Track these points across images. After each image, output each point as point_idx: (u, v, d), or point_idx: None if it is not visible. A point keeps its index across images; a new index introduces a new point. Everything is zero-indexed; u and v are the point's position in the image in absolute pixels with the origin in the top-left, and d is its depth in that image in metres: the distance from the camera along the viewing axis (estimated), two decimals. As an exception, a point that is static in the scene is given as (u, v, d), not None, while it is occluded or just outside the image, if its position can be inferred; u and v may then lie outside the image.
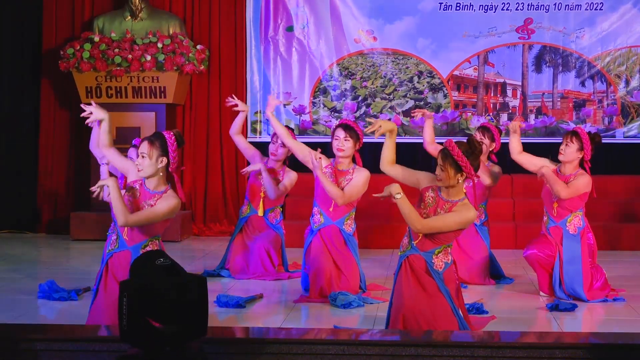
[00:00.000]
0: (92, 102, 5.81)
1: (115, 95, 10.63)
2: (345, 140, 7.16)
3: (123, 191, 5.47)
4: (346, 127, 7.20)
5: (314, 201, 7.33)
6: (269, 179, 7.95)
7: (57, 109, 11.28)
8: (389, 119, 11.24)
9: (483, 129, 8.10)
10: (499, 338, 5.27)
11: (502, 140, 8.17)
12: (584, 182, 7.14)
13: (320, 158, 7.16)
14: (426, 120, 7.98)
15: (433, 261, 5.51)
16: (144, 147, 5.41)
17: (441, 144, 5.72)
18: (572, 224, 7.19)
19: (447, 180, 5.45)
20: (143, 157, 5.40)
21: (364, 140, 7.29)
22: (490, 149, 8.03)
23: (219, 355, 4.87)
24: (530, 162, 7.40)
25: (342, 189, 7.10)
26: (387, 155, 5.76)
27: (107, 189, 5.38)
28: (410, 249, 5.56)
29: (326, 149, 7.43)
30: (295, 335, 5.31)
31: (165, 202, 5.38)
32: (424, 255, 5.52)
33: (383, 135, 5.75)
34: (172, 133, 5.48)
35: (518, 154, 7.44)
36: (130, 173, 5.54)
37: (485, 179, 7.84)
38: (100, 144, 5.62)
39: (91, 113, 5.61)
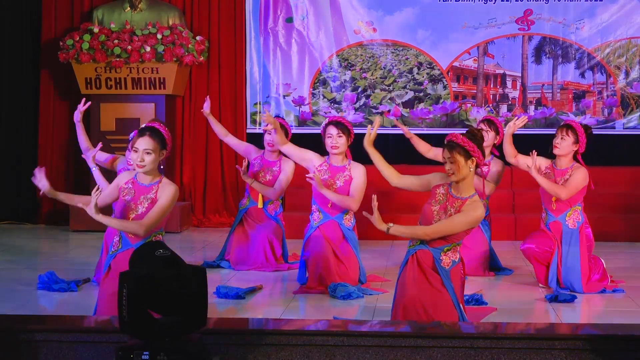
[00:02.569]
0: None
1: (115, 86, 10.61)
2: (339, 136, 7.21)
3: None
4: (337, 123, 7.26)
5: (313, 200, 7.35)
6: (260, 185, 8.07)
7: (57, 100, 11.27)
8: (389, 110, 11.24)
9: (488, 122, 8.05)
10: (498, 329, 5.27)
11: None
12: (580, 178, 7.13)
13: (316, 167, 7.20)
14: (410, 138, 7.99)
15: (441, 258, 5.50)
16: (149, 143, 5.34)
17: (439, 145, 5.71)
18: (572, 219, 7.19)
19: (459, 171, 5.43)
20: (149, 153, 5.35)
21: (358, 131, 7.30)
22: (494, 142, 8.02)
23: (219, 346, 4.87)
24: (525, 163, 7.35)
25: (348, 193, 7.15)
26: (386, 167, 5.84)
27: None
28: (419, 244, 5.55)
29: (318, 147, 7.43)
30: (295, 326, 5.32)
31: (165, 192, 5.36)
32: (432, 250, 5.51)
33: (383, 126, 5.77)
34: (160, 124, 5.46)
35: (513, 158, 7.41)
36: (120, 184, 5.53)
37: (487, 188, 7.81)
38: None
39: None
